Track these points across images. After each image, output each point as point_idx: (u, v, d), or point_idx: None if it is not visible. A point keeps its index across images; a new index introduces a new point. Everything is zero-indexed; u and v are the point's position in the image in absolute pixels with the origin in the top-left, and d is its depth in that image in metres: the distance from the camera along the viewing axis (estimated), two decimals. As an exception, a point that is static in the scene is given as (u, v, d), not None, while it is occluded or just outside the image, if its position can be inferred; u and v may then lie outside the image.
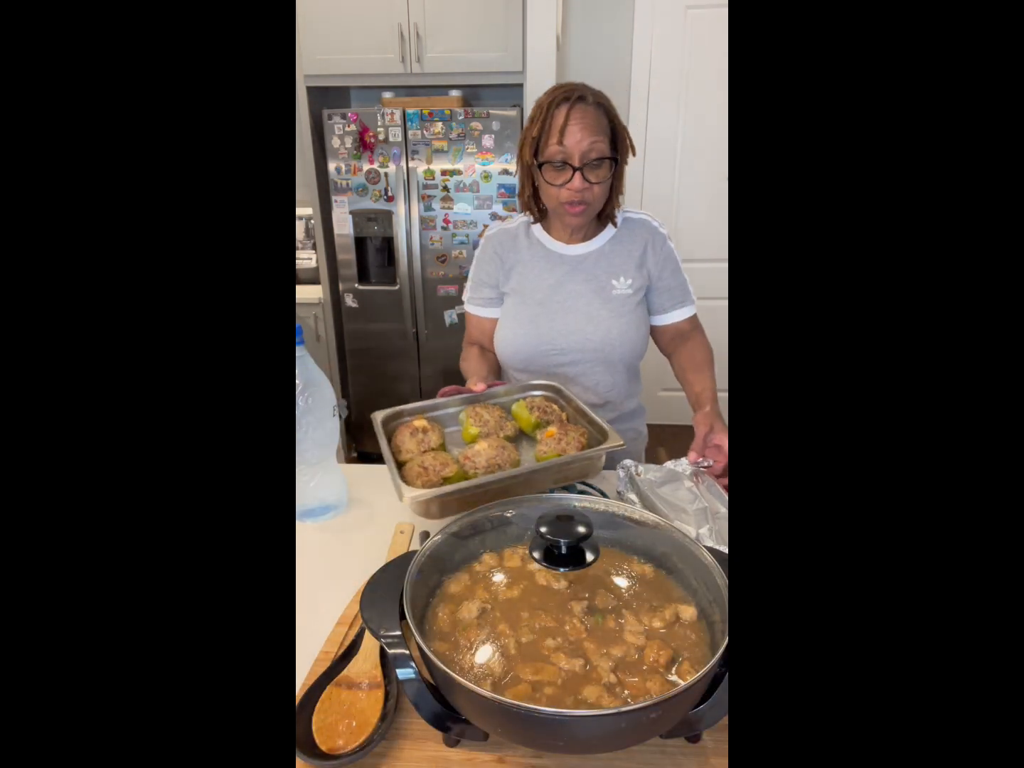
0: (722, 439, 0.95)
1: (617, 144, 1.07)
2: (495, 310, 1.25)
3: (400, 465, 0.88)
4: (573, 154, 1.02)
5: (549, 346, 1.17)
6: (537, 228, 1.21)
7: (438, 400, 1.02)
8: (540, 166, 1.05)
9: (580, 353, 1.17)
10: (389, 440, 0.94)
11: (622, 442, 0.86)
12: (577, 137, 1.01)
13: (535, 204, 1.16)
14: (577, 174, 1.02)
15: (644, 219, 1.21)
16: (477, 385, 1.04)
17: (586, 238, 1.19)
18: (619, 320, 1.16)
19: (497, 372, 1.25)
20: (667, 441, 3.25)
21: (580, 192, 1.04)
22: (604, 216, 1.17)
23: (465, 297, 1.28)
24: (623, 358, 1.19)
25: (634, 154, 1.11)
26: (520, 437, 0.98)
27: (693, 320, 1.24)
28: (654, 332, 1.24)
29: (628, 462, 0.95)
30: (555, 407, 1.00)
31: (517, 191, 1.18)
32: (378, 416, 0.98)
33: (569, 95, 1.02)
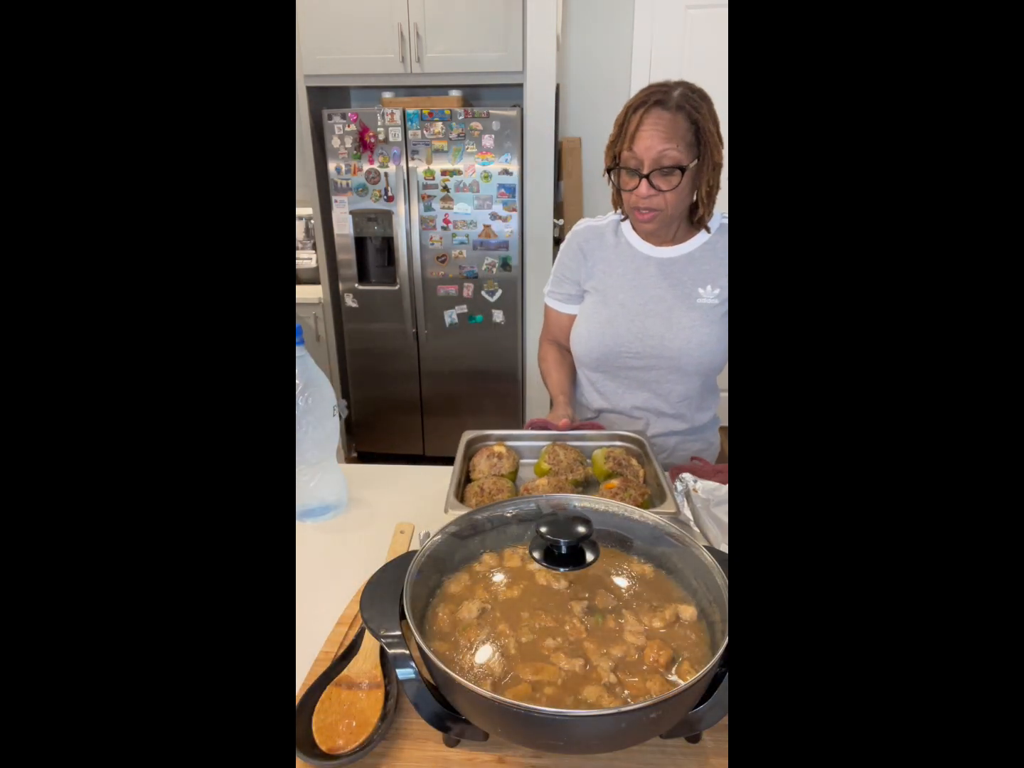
0: None
1: (700, 149, 1.02)
2: (575, 307, 1.23)
3: (469, 482, 0.95)
4: (643, 161, 1.00)
5: (624, 348, 1.15)
6: (626, 226, 1.18)
7: (525, 432, 1.07)
8: (615, 170, 1.05)
9: (655, 359, 1.15)
10: (470, 457, 1.01)
11: (675, 510, 0.85)
12: (647, 144, 0.99)
13: (622, 204, 1.14)
14: (644, 181, 1.01)
15: None
16: (560, 420, 1.08)
17: (676, 241, 1.15)
18: (700, 330, 1.12)
19: (575, 377, 1.26)
20: (667, 441, 3.25)
21: (647, 199, 1.02)
22: (696, 220, 1.14)
23: (546, 291, 1.27)
24: (699, 369, 1.15)
25: (719, 161, 1.05)
26: (590, 483, 0.99)
27: None
28: None
29: (686, 476, 0.95)
30: (633, 461, 1.00)
31: (611, 193, 1.15)
32: (468, 434, 1.05)
33: (647, 99, 1.00)
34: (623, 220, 1.18)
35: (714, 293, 1.13)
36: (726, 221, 1.15)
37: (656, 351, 1.14)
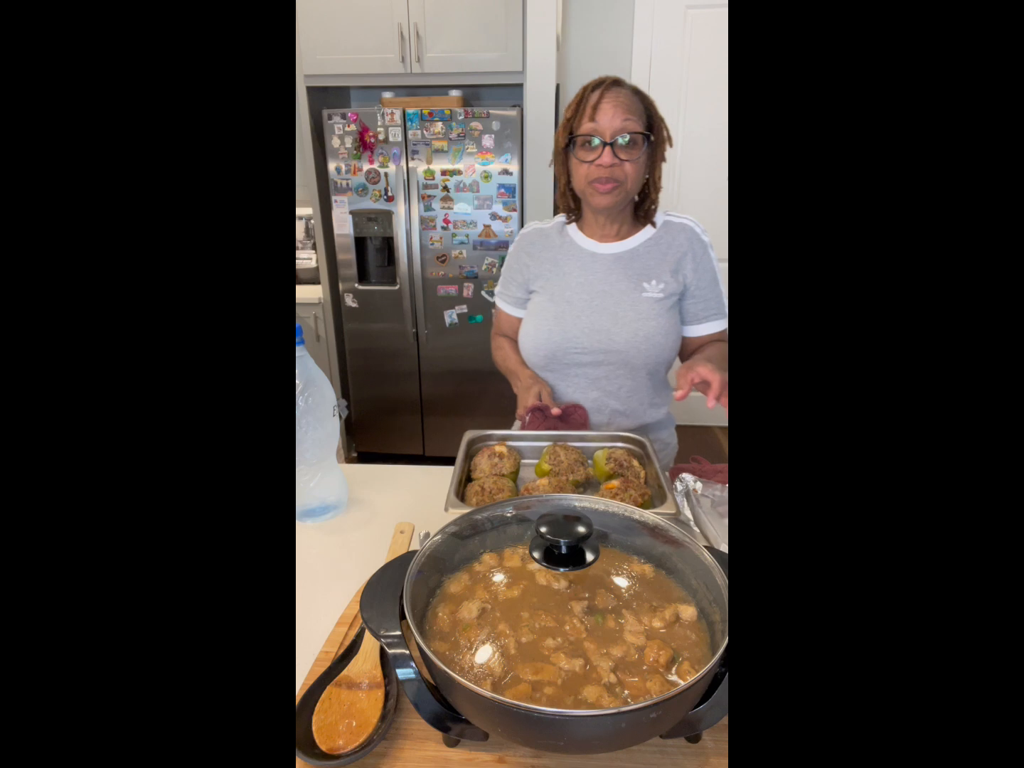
0: (703, 373, 0.88)
1: (653, 130, 1.07)
2: (522, 310, 1.25)
3: (470, 481, 0.96)
4: (604, 130, 1.02)
5: (572, 344, 1.16)
6: (572, 228, 1.20)
7: (527, 432, 1.08)
8: (572, 143, 1.06)
9: (603, 354, 1.15)
10: (472, 457, 1.02)
11: (675, 510, 0.85)
12: (610, 114, 1.02)
13: (571, 195, 1.15)
14: (607, 149, 1.02)
15: (687, 224, 1.18)
16: (542, 396, 1.11)
17: (621, 236, 1.17)
18: (647, 323, 1.13)
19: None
20: (667, 441, 3.25)
21: (609, 168, 1.03)
22: (641, 215, 1.16)
23: (496, 291, 1.30)
24: (647, 363, 1.16)
25: (671, 146, 1.10)
26: (590, 484, 0.99)
27: (723, 335, 1.22)
28: (683, 342, 1.21)
29: (687, 476, 0.95)
30: (634, 462, 1.00)
31: (556, 188, 1.18)
32: (469, 434, 1.06)
33: (604, 80, 1.05)
34: (568, 223, 1.21)
35: (659, 287, 1.14)
36: (669, 218, 1.18)
37: (604, 346, 1.15)
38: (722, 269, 1.13)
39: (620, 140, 1.02)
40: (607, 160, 1.03)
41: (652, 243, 1.16)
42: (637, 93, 1.06)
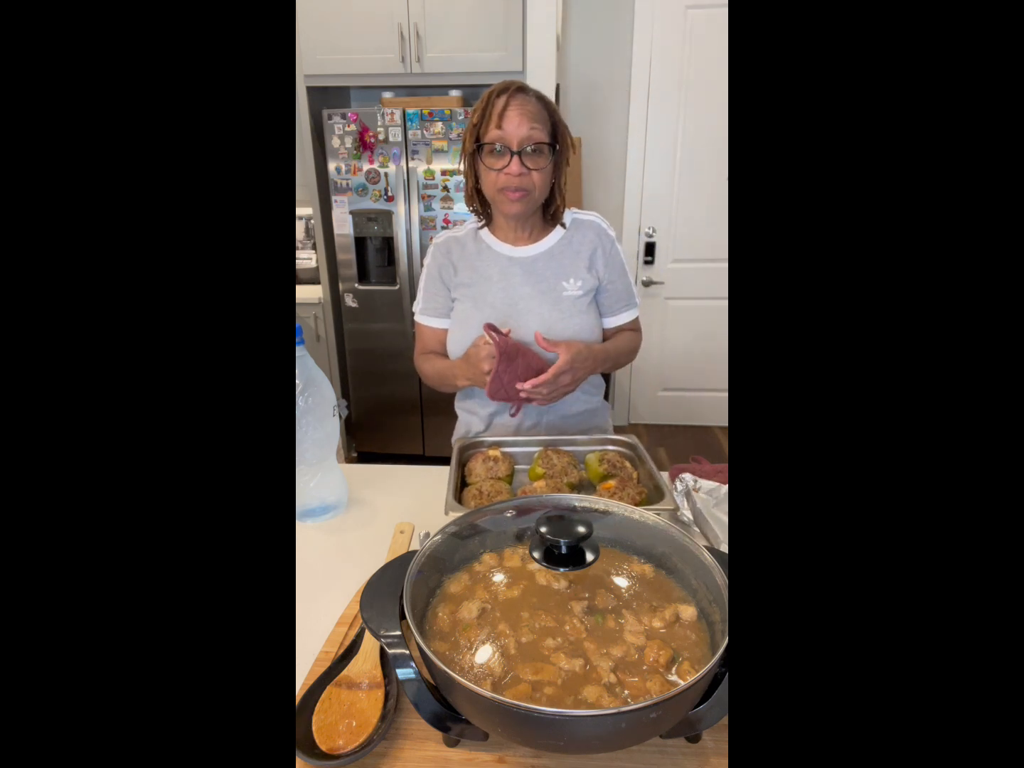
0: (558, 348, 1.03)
1: (557, 138, 1.08)
2: (446, 321, 1.23)
3: (465, 486, 0.96)
4: (511, 139, 1.03)
5: None
6: (485, 232, 1.21)
7: (518, 438, 1.10)
8: (479, 149, 1.06)
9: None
10: (464, 464, 1.03)
11: (675, 506, 0.87)
12: (516, 123, 1.03)
13: (478, 198, 1.16)
14: (515, 158, 1.03)
15: (593, 220, 1.21)
16: (504, 329, 1.06)
17: (533, 239, 1.18)
18: (571, 322, 1.15)
19: None
20: (667, 441, 3.25)
21: (518, 177, 1.05)
22: (551, 217, 1.18)
23: (417, 309, 1.26)
24: None
25: (575, 151, 1.12)
26: (584, 486, 1.00)
27: (636, 323, 1.26)
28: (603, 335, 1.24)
29: (687, 476, 0.97)
30: (627, 464, 1.02)
31: (464, 188, 1.18)
32: (461, 441, 1.08)
33: (509, 86, 1.05)
34: (481, 227, 1.21)
35: (577, 285, 1.17)
36: (576, 215, 1.21)
37: (533, 347, 1.14)
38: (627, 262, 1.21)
39: (527, 148, 1.04)
40: (515, 169, 1.04)
41: (565, 242, 1.19)
42: (541, 100, 1.07)
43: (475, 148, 1.07)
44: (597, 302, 1.21)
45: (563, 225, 1.19)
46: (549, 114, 1.07)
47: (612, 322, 1.23)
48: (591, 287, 1.18)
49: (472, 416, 1.27)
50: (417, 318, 1.26)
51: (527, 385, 1.01)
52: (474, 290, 1.18)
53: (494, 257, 1.19)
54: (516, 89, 1.05)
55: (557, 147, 1.08)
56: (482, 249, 1.20)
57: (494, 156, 1.05)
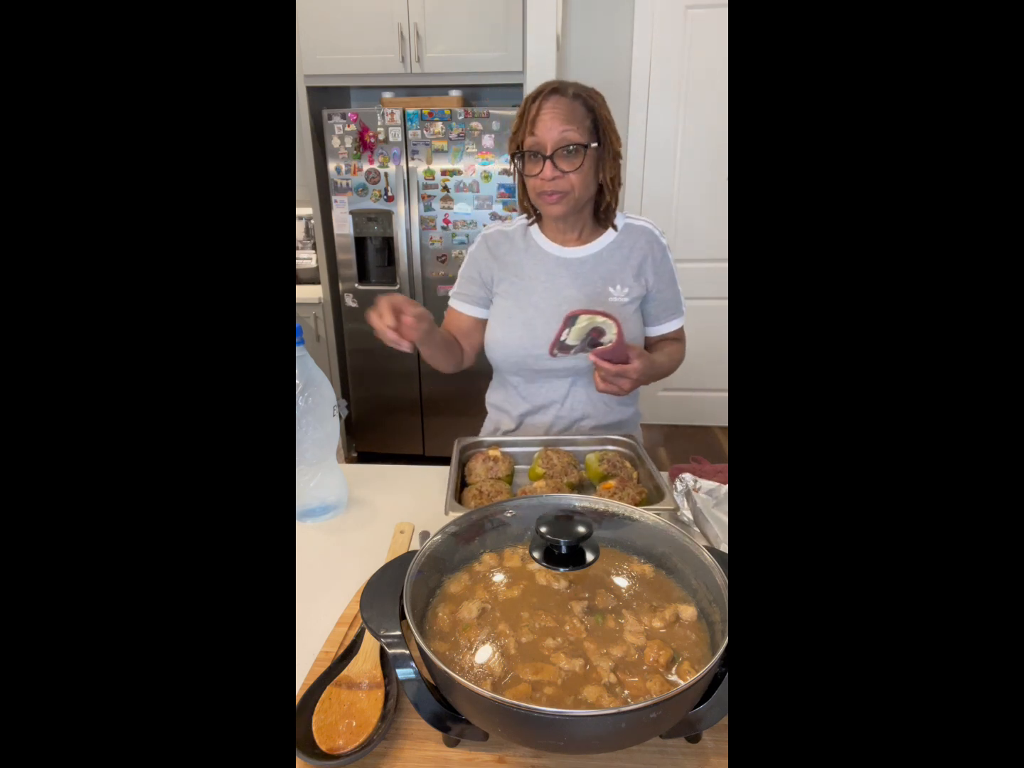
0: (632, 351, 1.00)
1: (599, 135, 1.06)
2: (480, 309, 1.22)
3: (465, 486, 0.96)
4: (545, 143, 1.03)
5: (542, 351, 1.11)
6: (534, 230, 1.20)
7: (517, 438, 1.11)
8: (519, 157, 1.07)
9: (573, 360, 1.13)
10: (464, 464, 1.03)
11: (675, 506, 0.86)
12: (548, 126, 1.02)
13: (528, 203, 1.16)
14: (547, 163, 1.03)
15: (647, 227, 1.19)
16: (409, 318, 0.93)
17: (583, 241, 1.17)
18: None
19: (452, 352, 1.18)
20: (667, 441, 3.25)
21: (552, 181, 1.04)
22: (601, 218, 1.16)
23: (452, 291, 1.25)
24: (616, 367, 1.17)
25: (619, 145, 1.10)
26: (584, 486, 1.00)
27: (680, 332, 1.25)
28: (644, 342, 1.23)
29: (687, 476, 0.96)
30: (627, 464, 1.01)
31: (516, 193, 1.19)
32: (461, 440, 1.08)
33: (544, 88, 1.05)
34: (531, 224, 1.20)
35: (624, 291, 1.15)
36: (629, 221, 1.19)
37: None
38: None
39: (562, 151, 1.02)
40: (548, 174, 1.03)
41: (615, 247, 1.17)
42: (579, 97, 1.05)
43: (515, 155, 1.08)
44: (643, 310, 1.19)
45: (614, 227, 1.17)
46: (588, 110, 1.05)
47: (657, 331, 1.21)
48: (638, 295, 1.16)
49: (502, 415, 1.26)
50: (450, 301, 1.25)
51: (598, 359, 0.98)
52: (518, 287, 1.17)
53: (542, 256, 1.17)
54: (550, 91, 1.04)
55: (596, 144, 1.05)
56: (530, 246, 1.19)
57: (531, 163, 1.05)
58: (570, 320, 0.95)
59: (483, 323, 1.23)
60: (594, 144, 1.05)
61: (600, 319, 0.95)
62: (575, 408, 1.20)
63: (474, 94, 2.75)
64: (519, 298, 1.17)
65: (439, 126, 2.40)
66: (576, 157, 1.04)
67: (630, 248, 1.17)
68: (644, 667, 0.54)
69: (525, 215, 1.21)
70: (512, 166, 1.13)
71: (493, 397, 1.31)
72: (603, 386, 1.01)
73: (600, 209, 1.15)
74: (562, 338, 0.98)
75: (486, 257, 1.20)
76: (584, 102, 1.06)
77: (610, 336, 0.96)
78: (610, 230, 1.17)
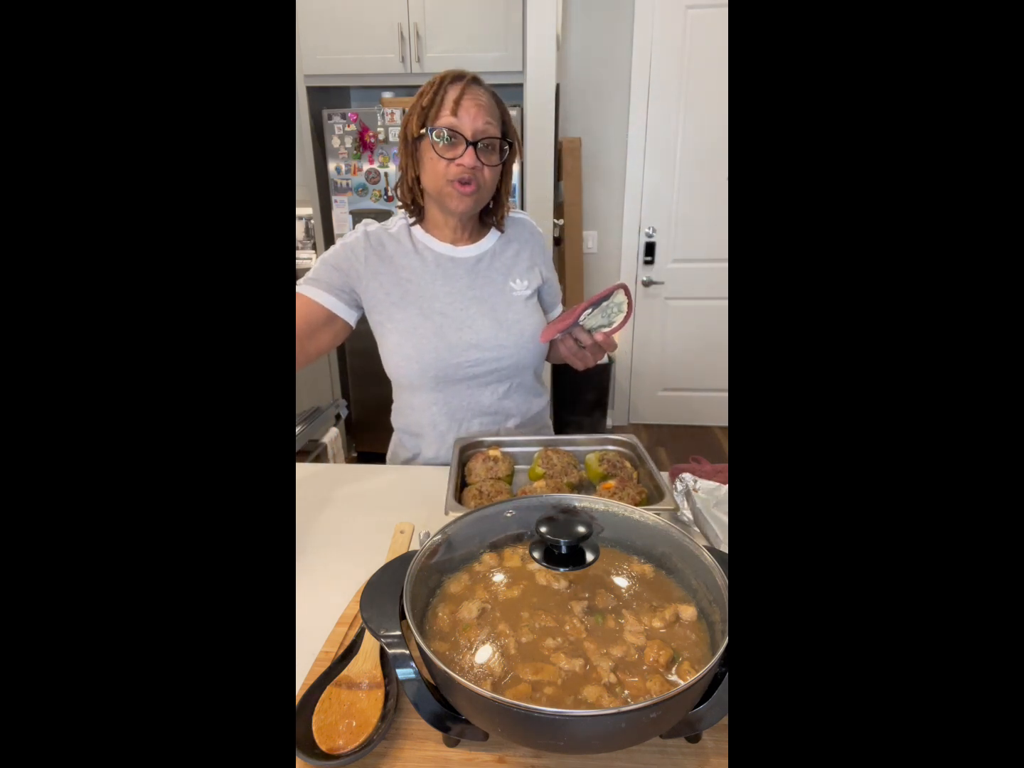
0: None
1: (508, 138, 1.03)
2: (338, 303, 1.07)
3: (465, 486, 0.96)
4: (467, 129, 0.96)
5: (462, 359, 1.09)
6: (418, 230, 1.11)
7: (517, 438, 1.09)
8: (429, 133, 0.98)
9: (496, 362, 1.11)
10: (464, 464, 1.02)
11: (675, 506, 0.86)
12: (472, 113, 0.97)
13: (418, 189, 1.06)
14: (470, 149, 0.97)
15: (525, 219, 1.20)
16: None
17: (472, 240, 1.12)
18: (527, 322, 1.12)
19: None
20: (667, 441, 3.25)
21: (471, 170, 0.98)
22: (489, 219, 1.13)
23: (306, 278, 1.08)
24: (534, 361, 1.16)
25: (520, 156, 1.09)
26: (584, 486, 1.00)
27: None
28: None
29: (687, 476, 0.96)
30: (627, 464, 1.01)
31: (397, 181, 1.10)
32: (461, 441, 1.07)
33: (463, 75, 1.00)
34: (412, 224, 1.12)
35: (524, 284, 1.14)
36: (512, 214, 1.18)
37: (495, 353, 1.10)
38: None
39: (480, 143, 0.98)
40: (469, 161, 0.97)
41: (504, 242, 1.15)
42: (495, 97, 1.02)
43: (421, 133, 0.99)
44: (540, 300, 1.20)
45: (500, 228, 1.15)
46: (501, 113, 1.02)
47: (551, 317, 1.23)
48: (536, 285, 1.16)
49: (416, 438, 1.20)
50: (299, 287, 1.07)
51: (599, 336, 0.99)
52: (415, 295, 1.08)
53: (434, 258, 1.10)
54: (472, 79, 0.99)
55: (510, 147, 1.03)
56: (419, 248, 1.10)
57: (446, 145, 0.97)
58: (603, 298, 0.96)
59: (336, 321, 1.09)
60: (511, 144, 1.03)
61: (623, 294, 0.98)
62: (499, 411, 1.17)
63: (474, 94, 2.74)
64: (423, 306, 1.08)
65: (439, 126, 2.40)
66: (493, 153, 1.00)
67: (518, 242, 1.16)
68: (644, 667, 0.54)
69: (404, 213, 1.12)
70: (400, 150, 1.04)
71: (401, 421, 1.22)
72: (591, 360, 1.04)
73: (492, 215, 1.13)
74: (580, 319, 0.98)
75: (366, 255, 1.07)
76: (498, 103, 1.02)
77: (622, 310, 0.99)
78: (494, 230, 1.15)
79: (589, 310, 0.98)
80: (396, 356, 1.11)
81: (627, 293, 0.99)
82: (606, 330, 1.00)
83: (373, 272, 1.08)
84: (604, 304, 0.98)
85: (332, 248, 1.10)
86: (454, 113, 0.97)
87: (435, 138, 0.98)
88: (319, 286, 1.06)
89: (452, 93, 0.98)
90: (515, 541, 0.69)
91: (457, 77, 0.99)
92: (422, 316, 1.08)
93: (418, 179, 1.05)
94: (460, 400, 1.14)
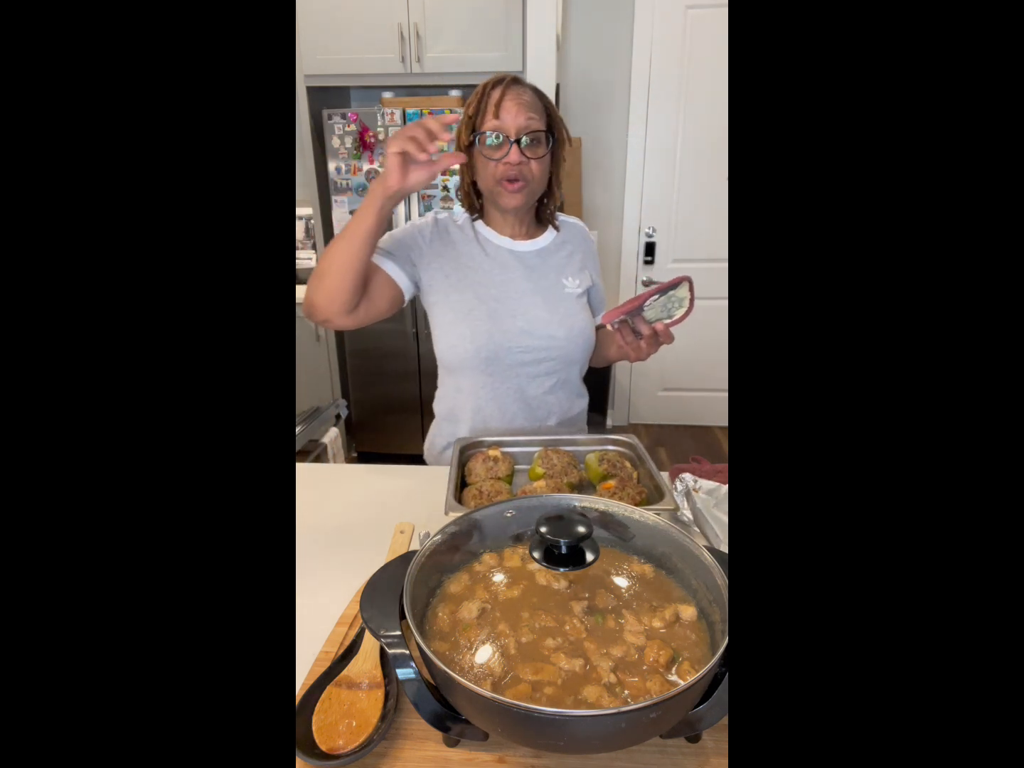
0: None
1: (553, 129, 1.07)
2: (400, 274, 1.09)
3: (465, 486, 0.96)
4: (509, 128, 1.02)
5: (513, 343, 1.12)
6: (480, 224, 1.17)
7: (517, 438, 1.09)
8: (476, 139, 1.05)
9: (544, 351, 1.14)
10: (464, 464, 1.02)
11: (675, 506, 0.87)
12: (513, 112, 1.02)
13: (475, 194, 1.15)
14: (514, 147, 1.02)
15: (579, 224, 1.25)
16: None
17: (529, 236, 1.18)
18: (577, 318, 1.15)
19: (359, 286, 1.00)
20: (667, 441, 3.25)
21: (517, 166, 1.03)
22: (543, 217, 1.19)
23: (382, 248, 1.10)
24: (582, 358, 1.19)
25: (570, 144, 1.12)
26: (584, 486, 1.00)
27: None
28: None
29: (687, 476, 0.97)
30: (627, 464, 1.02)
31: (459, 186, 1.18)
32: (461, 441, 1.07)
33: (504, 78, 1.05)
34: (475, 219, 1.18)
35: (576, 283, 1.18)
36: (562, 218, 1.22)
37: (545, 343, 1.13)
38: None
39: (524, 139, 1.03)
40: (515, 158, 1.03)
41: (559, 242, 1.20)
42: (536, 92, 1.07)
43: (471, 140, 1.06)
44: (589, 302, 1.23)
45: (555, 227, 1.20)
46: (544, 106, 1.07)
47: (597, 321, 1.25)
48: (587, 287, 1.20)
49: (457, 424, 1.20)
50: (377, 258, 1.08)
51: (659, 326, 0.97)
52: (472, 280, 1.13)
53: (493, 249, 1.16)
54: (511, 80, 1.04)
55: (554, 137, 1.07)
56: (481, 240, 1.16)
57: (492, 147, 1.04)
58: (669, 287, 0.93)
59: (392, 291, 1.09)
60: (555, 135, 1.07)
61: (687, 288, 0.96)
62: (542, 405, 1.19)
63: (474, 94, 2.75)
64: (479, 291, 1.12)
65: (439, 126, 2.40)
66: (538, 146, 1.05)
67: (572, 243, 1.21)
68: (644, 667, 0.54)
69: (467, 211, 1.18)
70: (465, 153, 1.07)
71: (444, 406, 1.23)
72: (645, 353, 1.04)
73: (545, 209, 1.17)
74: (645, 307, 0.96)
75: (431, 237, 1.13)
76: (541, 98, 1.07)
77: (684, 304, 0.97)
78: (551, 228, 1.20)
79: (656, 296, 0.94)
80: (451, 336, 1.13)
81: (691, 287, 0.95)
82: (666, 322, 0.98)
83: (436, 253, 1.13)
84: (668, 294, 0.95)
85: (400, 227, 1.15)
86: (496, 115, 1.03)
87: (482, 142, 1.05)
88: (380, 253, 1.09)
89: (494, 97, 1.04)
90: (515, 541, 0.69)
91: (497, 81, 1.05)
92: (477, 300, 1.12)
93: (474, 183, 1.13)
94: (507, 387, 1.16)
